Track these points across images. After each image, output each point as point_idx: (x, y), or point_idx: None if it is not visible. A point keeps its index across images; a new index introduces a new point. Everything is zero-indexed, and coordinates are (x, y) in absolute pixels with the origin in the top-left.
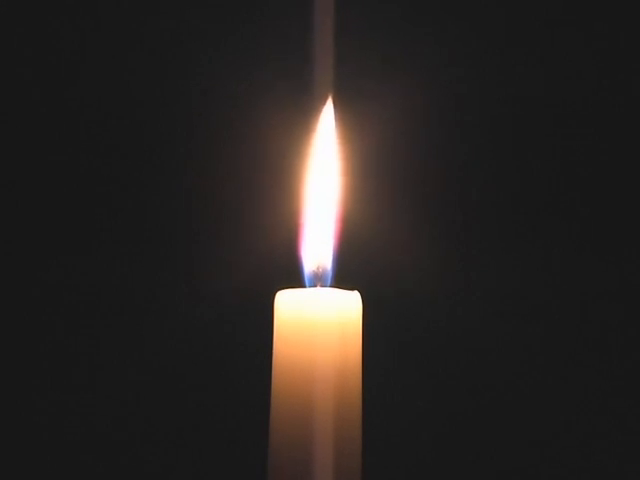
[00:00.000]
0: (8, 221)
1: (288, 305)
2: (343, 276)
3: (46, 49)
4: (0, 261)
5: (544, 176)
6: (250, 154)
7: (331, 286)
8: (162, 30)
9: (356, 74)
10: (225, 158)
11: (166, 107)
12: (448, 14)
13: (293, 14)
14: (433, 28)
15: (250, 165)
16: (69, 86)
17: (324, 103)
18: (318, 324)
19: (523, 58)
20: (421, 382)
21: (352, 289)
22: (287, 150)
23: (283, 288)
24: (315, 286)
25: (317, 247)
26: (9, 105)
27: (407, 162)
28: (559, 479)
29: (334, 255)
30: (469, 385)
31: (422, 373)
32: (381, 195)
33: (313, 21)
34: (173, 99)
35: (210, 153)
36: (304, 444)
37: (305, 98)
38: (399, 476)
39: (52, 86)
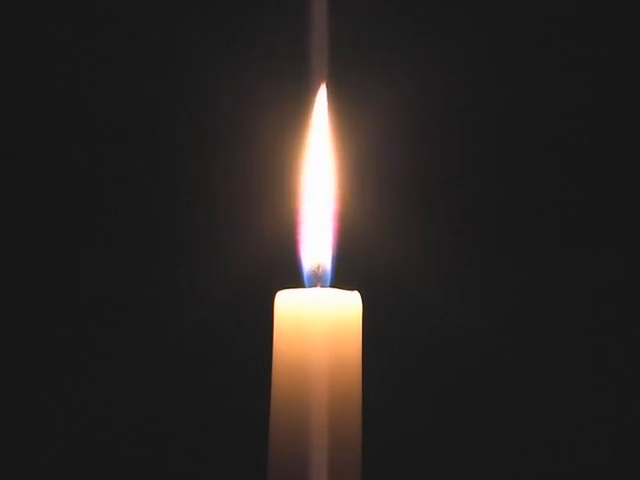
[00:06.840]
0: (8, 221)
1: (288, 305)
2: (343, 276)
3: (45, 48)
4: (0, 261)
5: (546, 175)
6: (248, 153)
7: (331, 286)
8: (157, 26)
9: (351, 68)
10: (223, 157)
11: (164, 106)
12: (445, 8)
13: (288, 7)
14: (433, 23)
15: (249, 164)
16: (69, 86)
17: (319, 99)
18: (318, 324)
19: (521, 55)
20: (421, 382)
21: (352, 289)
22: (286, 149)
23: (283, 288)
24: (315, 286)
25: (317, 247)
26: (9, 105)
27: (407, 160)
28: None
29: (334, 255)
30: (469, 385)
31: (422, 373)
32: (381, 195)
33: (308, 15)
34: (170, 98)
35: (208, 152)
36: (304, 444)
37: (301, 95)
38: (399, 475)
39: (52, 86)
